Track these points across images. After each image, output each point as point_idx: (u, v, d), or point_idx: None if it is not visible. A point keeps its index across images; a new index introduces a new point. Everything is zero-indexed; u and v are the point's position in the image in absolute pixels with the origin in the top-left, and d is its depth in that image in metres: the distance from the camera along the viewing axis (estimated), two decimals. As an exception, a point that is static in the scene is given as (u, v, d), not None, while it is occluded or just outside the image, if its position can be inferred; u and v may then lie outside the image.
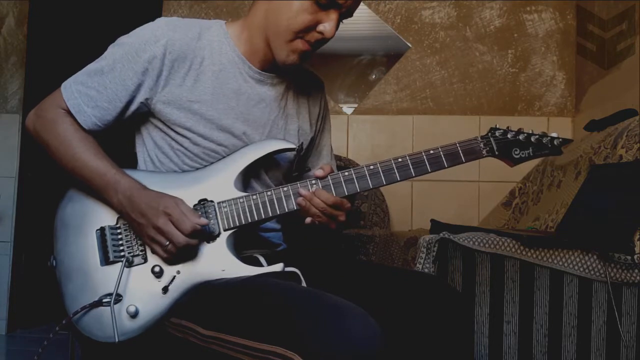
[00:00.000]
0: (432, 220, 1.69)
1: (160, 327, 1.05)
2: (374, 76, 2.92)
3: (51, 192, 1.33)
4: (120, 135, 1.19)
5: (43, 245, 1.12)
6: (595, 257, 1.41)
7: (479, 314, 1.41)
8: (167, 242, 1.00)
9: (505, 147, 1.10)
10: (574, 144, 2.15)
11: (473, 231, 1.47)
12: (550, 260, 1.41)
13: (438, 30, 2.88)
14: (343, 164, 2.65)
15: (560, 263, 1.41)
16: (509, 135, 1.10)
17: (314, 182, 1.07)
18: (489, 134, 1.11)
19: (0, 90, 2.97)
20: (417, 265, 1.43)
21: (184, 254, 1.03)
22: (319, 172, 1.08)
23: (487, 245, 1.41)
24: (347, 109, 2.91)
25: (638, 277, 1.40)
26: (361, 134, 2.89)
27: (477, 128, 2.82)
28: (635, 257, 1.40)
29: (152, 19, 1.13)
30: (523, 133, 1.11)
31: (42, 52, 3.08)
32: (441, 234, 1.43)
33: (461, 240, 1.41)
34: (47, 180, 2.95)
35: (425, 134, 2.85)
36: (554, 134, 1.12)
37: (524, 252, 1.41)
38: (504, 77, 2.85)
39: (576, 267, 1.41)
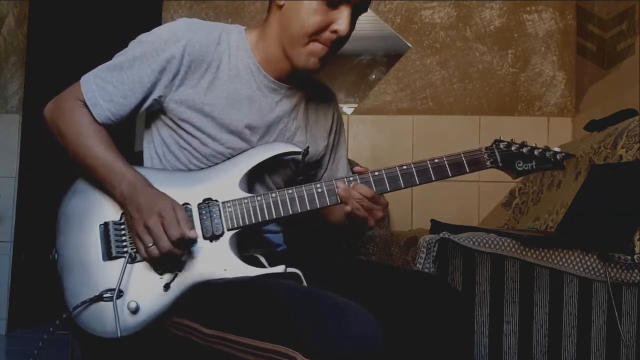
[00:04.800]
0: (432, 220, 1.69)
1: (162, 326, 1.05)
2: (374, 76, 2.92)
3: (51, 192, 1.33)
4: (120, 135, 1.19)
5: (43, 245, 1.12)
6: (595, 257, 1.42)
7: (479, 314, 1.41)
8: (151, 244, 0.99)
9: (508, 159, 1.11)
10: (574, 144, 2.15)
11: (473, 231, 1.47)
12: (550, 260, 1.41)
13: (438, 30, 2.88)
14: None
15: (560, 263, 1.41)
16: (512, 148, 1.11)
17: (318, 185, 1.07)
18: (494, 145, 1.12)
19: (0, 90, 2.97)
20: (417, 265, 1.43)
21: (166, 260, 1.01)
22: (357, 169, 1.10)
23: (487, 245, 1.41)
24: (347, 109, 2.91)
25: (638, 277, 1.40)
26: (361, 134, 2.89)
27: (477, 128, 2.82)
28: (635, 257, 1.40)
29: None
30: (527, 146, 1.12)
31: (42, 52, 3.08)
32: (441, 234, 1.43)
33: (461, 240, 1.41)
34: (47, 180, 2.97)
35: (425, 134, 2.85)
36: (557, 149, 1.12)
37: (524, 252, 1.41)
38: (504, 77, 2.85)
39: (576, 267, 1.41)
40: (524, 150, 1.11)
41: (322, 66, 1.10)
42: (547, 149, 1.12)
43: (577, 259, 1.41)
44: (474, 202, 2.81)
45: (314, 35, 1.06)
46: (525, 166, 1.11)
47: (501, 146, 1.11)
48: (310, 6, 1.04)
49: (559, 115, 2.81)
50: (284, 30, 1.09)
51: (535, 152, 1.11)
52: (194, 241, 1.02)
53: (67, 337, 1.15)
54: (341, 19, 1.04)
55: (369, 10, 1.13)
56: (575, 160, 1.93)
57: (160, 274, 1.03)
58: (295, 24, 1.06)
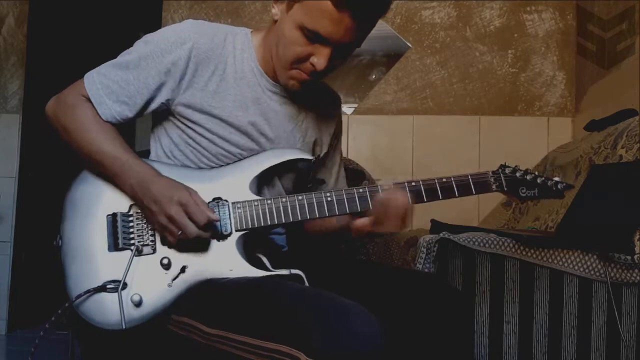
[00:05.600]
0: (432, 220, 1.69)
1: (163, 325, 1.05)
2: (374, 76, 2.92)
3: (51, 192, 1.33)
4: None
5: (43, 245, 1.11)
6: (595, 257, 1.42)
7: (479, 314, 1.41)
8: (179, 231, 1.00)
9: (513, 185, 1.14)
10: (574, 144, 2.15)
11: (473, 231, 1.47)
12: (550, 260, 1.41)
13: (438, 30, 2.88)
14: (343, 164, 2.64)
15: (560, 263, 1.41)
16: (517, 174, 1.14)
17: (328, 194, 1.08)
18: (499, 170, 1.14)
19: (0, 90, 2.97)
20: (417, 265, 1.43)
21: (194, 244, 1.03)
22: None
23: (487, 245, 1.41)
24: (347, 109, 2.91)
25: (638, 277, 1.40)
26: (361, 134, 2.89)
27: (477, 128, 2.82)
28: (635, 257, 1.40)
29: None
30: (530, 174, 1.15)
31: (42, 52, 3.08)
32: (441, 234, 1.43)
33: (461, 240, 1.41)
34: (47, 180, 2.97)
35: (425, 134, 2.85)
36: (557, 179, 1.16)
37: (524, 252, 1.41)
38: (504, 77, 2.85)
39: (576, 267, 1.41)
40: (528, 177, 1.14)
41: (303, 88, 1.11)
42: (548, 178, 1.15)
43: (577, 259, 1.41)
44: (474, 202, 2.81)
45: (295, 64, 1.06)
46: (529, 192, 1.14)
47: (506, 171, 1.14)
48: (292, 35, 1.03)
49: (559, 115, 2.81)
50: (273, 48, 1.09)
51: (538, 180, 1.14)
52: (217, 227, 1.05)
53: (67, 336, 1.15)
54: (319, 56, 1.03)
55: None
56: (575, 160, 1.93)
57: (166, 269, 1.04)
58: (280, 48, 1.06)
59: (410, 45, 2.90)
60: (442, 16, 2.88)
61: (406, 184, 1.09)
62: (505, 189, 1.13)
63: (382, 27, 2.89)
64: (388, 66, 2.90)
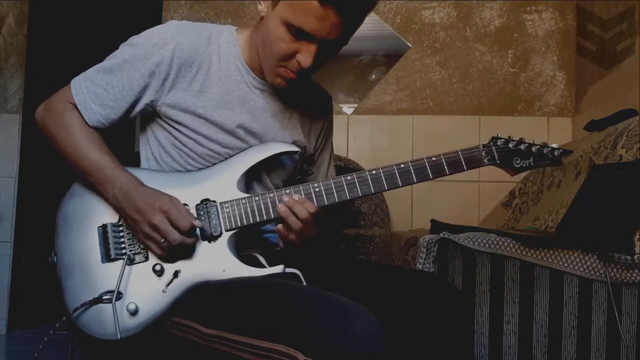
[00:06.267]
0: (433, 220, 1.69)
1: (162, 326, 1.05)
2: (374, 76, 2.92)
3: (51, 192, 1.33)
4: (120, 135, 1.19)
5: (43, 245, 1.11)
6: (595, 257, 1.42)
7: (479, 314, 1.41)
8: (163, 240, 1.00)
9: (506, 156, 1.10)
10: (574, 144, 2.15)
11: (473, 231, 1.47)
12: (550, 260, 1.41)
13: (438, 30, 2.88)
14: (343, 164, 2.65)
15: (560, 263, 1.41)
16: (510, 145, 1.10)
17: (316, 185, 1.07)
18: (491, 142, 1.11)
19: (0, 90, 2.97)
20: (417, 265, 1.43)
21: (179, 252, 1.03)
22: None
23: (487, 245, 1.41)
24: (347, 109, 2.91)
25: (638, 277, 1.40)
26: (361, 134, 2.89)
27: (477, 128, 2.82)
28: (635, 257, 1.40)
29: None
30: (524, 143, 1.11)
31: (42, 52, 3.08)
32: (441, 234, 1.43)
33: (461, 240, 1.41)
34: (47, 180, 2.97)
35: (425, 134, 2.85)
36: (555, 145, 1.12)
37: (524, 252, 1.41)
38: (504, 77, 2.85)
39: (576, 267, 1.41)
40: (522, 147, 1.11)
41: (290, 86, 1.10)
42: (544, 145, 1.12)
43: (577, 259, 1.41)
44: (474, 202, 2.81)
45: (282, 61, 1.05)
46: (523, 163, 1.10)
47: (499, 143, 1.11)
48: (277, 32, 1.02)
49: (559, 115, 2.81)
50: (259, 46, 1.09)
51: (533, 149, 1.11)
52: (205, 231, 1.05)
53: (67, 336, 1.15)
54: (305, 53, 1.02)
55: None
56: (575, 160, 1.93)
57: (159, 275, 1.04)
58: (266, 45, 1.05)
59: (410, 45, 2.90)
60: (442, 16, 2.89)
61: (394, 166, 1.07)
62: (498, 161, 1.10)
63: (382, 27, 2.89)
64: (388, 66, 2.90)
